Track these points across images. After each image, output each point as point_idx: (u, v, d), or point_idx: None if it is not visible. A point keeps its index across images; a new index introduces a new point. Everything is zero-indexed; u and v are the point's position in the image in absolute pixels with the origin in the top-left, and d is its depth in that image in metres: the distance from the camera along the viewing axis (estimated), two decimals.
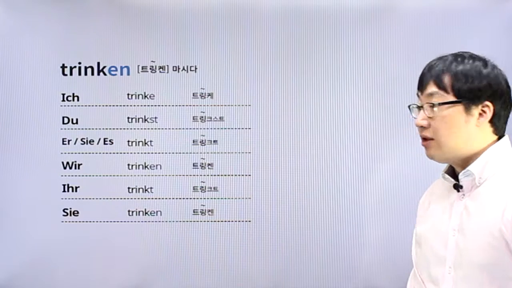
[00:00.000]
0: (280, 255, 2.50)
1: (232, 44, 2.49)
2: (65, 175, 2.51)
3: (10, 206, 2.49)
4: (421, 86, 1.29)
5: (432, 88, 1.25)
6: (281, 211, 2.49)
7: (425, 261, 1.32)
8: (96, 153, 2.51)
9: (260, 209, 2.49)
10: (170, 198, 2.51)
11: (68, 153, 2.51)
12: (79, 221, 2.51)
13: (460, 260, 1.22)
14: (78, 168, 2.51)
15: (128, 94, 2.51)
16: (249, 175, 2.50)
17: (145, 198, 2.51)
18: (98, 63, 2.50)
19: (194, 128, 2.51)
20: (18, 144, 2.49)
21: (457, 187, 1.27)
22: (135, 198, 2.51)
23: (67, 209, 2.51)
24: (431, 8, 2.46)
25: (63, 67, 2.50)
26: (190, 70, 2.51)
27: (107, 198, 2.51)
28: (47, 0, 2.49)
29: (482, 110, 1.23)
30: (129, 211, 2.51)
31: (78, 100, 2.51)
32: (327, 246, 2.48)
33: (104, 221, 2.51)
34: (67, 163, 2.51)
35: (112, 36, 2.50)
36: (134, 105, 2.51)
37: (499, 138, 1.27)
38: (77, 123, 2.51)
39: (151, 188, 2.51)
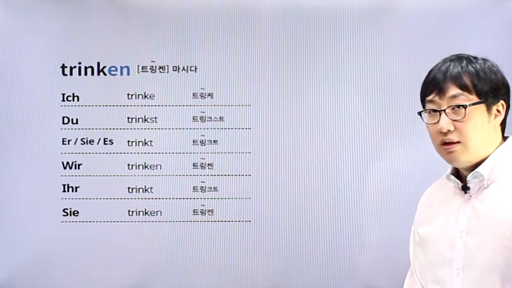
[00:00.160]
0: (280, 255, 2.50)
1: (232, 44, 2.49)
2: (65, 175, 2.51)
3: (10, 206, 2.49)
4: (440, 90, 1.25)
5: (454, 90, 1.23)
6: (281, 211, 2.49)
7: (430, 264, 1.31)
8: (96, 153, 2.51)
9: (260, 209, 2.49)
10: (170, 198, 2.51)
11: (68, 153, 2.51)
12: (79, 221, 2.51)
13: (469, 262, 1.22)
14: (78, 168, 2.51)
15: (128, 94, 2.51)
16: (249, 175, 2.50)
17: (145, 198, 2.51)
18: (98, 63, 2.50)
19: (194, 128, 2.51)
20: (18, 144, 2.49)
21: (465, 188, 1.26)
22: (135, 198, 2.51)
23: (67, 209, 2.51)
24: (431, 8, 2.46)
25: (63, 67, 2.50)
26: (190, 70, 2.51)
27: (107, 198, 2.51)
28: (47, 0, 2.49)
29: (497, 110, 1.25)
30: (129, 211, 2.51)
31: (78, 100, 2.51)
32: (327, 246, 2.48)
33: (104, 221, 2.50)
34: (67, 163, 2.51)
35: (112, 36, 2.50)
36: (134, 105, 2.51)
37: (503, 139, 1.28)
38: (77, 123, 2.51)
39: (151, 188, 2.51)
